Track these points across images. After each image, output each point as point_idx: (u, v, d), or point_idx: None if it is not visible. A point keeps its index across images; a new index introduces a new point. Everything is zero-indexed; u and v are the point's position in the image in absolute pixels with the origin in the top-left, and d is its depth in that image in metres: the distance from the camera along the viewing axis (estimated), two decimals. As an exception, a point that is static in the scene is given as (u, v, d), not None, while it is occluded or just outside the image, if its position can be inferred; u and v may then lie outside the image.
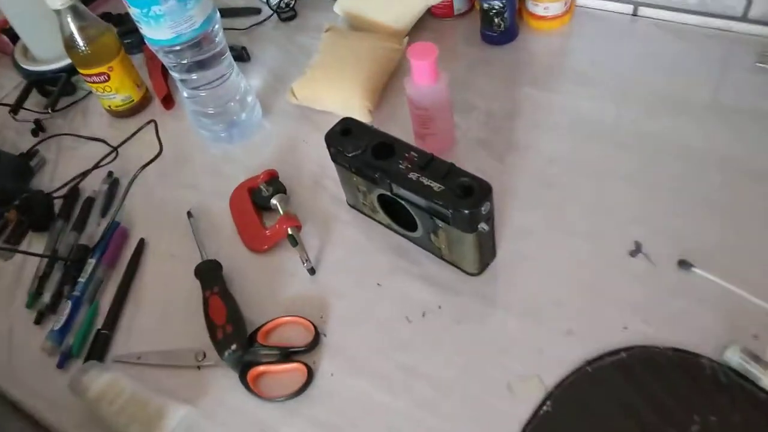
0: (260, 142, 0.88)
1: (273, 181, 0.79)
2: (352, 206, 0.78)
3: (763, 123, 0.75)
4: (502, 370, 0.61)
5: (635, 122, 0.79)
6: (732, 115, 0.77)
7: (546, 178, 0.76)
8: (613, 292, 0.65)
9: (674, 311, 0.62)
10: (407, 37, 0.92)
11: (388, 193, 0.67)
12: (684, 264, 0.65)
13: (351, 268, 0.72)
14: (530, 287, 0.67)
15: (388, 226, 0.74)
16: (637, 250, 0.67)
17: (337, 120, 0.72)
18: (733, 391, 0.56)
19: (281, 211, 0.76)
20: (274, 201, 0.77)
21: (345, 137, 0.69)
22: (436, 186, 0.62)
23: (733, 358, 0.57)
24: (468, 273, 0.69)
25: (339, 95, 0.85)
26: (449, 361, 0.63)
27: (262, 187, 0.78)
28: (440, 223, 0.64)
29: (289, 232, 0.74)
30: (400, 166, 0.64)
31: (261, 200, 0.79)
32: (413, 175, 0.63)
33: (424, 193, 0.62)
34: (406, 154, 0.65)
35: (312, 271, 0.72)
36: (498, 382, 0.61)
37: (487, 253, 0.68)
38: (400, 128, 0.82)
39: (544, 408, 0.58)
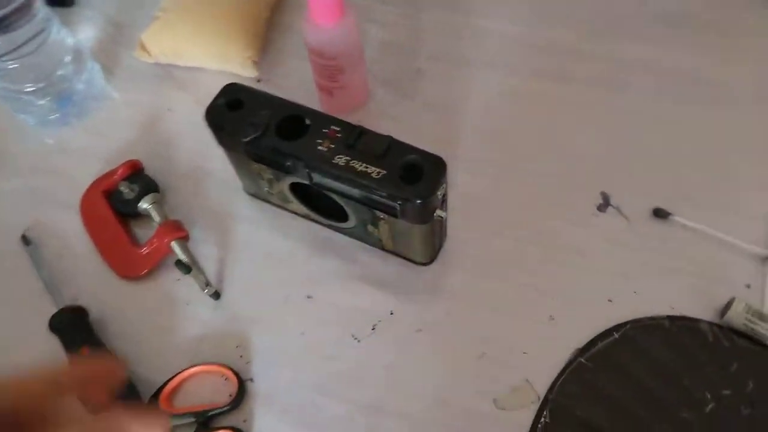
0: (108, 120, 0.66)
1: (137, 177, 0.59)
2: (253, 195, 0.60)
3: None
4: (482, 383, 0.50)
5: (576, 47, 0.67)
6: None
7: (486, 128, 0.63)
8: (589, 258, 0.55)
9: (659, 270, 0.54)
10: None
11: (306, 182, 0.51)
12: (660, 213, 0.56)
13: (268, 281, 0.56)
14: (494, 269, 0.55)
15: (306, 216, 0.58)
16: (605, 204, 0.57)
17: (210, 78, 0.53)
18: (740, 357, 0.50)
19: (157, 219, 0.57)
20: (143, 205, 0.58)
21: (234, 112, 0.50)
22: (373, 171, 0.46)
23: (737, 319, 0.50)
24: (417, 263, 0.56)
25: (208, 44, 0.64)
26: (417, 388, 0.51)
27: (122, 187, 0.58)
28: (382, 215, 0.50)
29: (174, 247, 0.55)
30: (320, 147, 0.48)
31: (124, 206, 0.58)
32: (340, 159, 0.47)
33: (358, 182, 0.47)
34: (326, 130, 0.48)
35: (216, 295, 0.55)
36: (481, 401, 0.50)
37: (440, 238, 0.55)
38: (298, 82, 0.65)
39: (543, 420, 0.48)
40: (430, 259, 0.55)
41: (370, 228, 0.53)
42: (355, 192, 0.48)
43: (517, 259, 0.55)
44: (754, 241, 0.54)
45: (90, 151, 0.63)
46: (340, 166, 0.47)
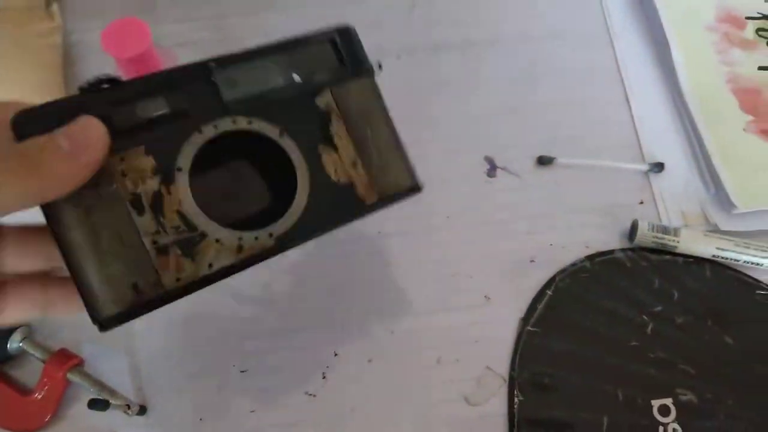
0: None
1: (-10, 315, 0.50)
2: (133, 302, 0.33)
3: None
4: (448, 387, 0.50)
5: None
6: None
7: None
8: (497, 225, 0.55)
9: (562, 215, 0.56)
10: (55, 3, 0.60)
11: (227, 128, 0.34)
12: (544, 160, 0.57)
13: (196, 373, 0.50)
14: (412, 271, 0.53)
15: (224, 272, 0.34)
16: (492, 167, 0.58)
17: None
18: (659, 272, 0.53)
19: (37, 354, 0.48)
20: (13, 345, 0.48)
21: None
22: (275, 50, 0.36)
23: (645, 239, 0.53)
24: (404, 190, 0.39)
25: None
26: (391, 418, 0.49)
27: (-23, 334, 0.48)
28: (321, 101, 0.37)
29: (72, 379, 0.47)
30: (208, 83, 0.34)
31: (-9, 354, 0.49)
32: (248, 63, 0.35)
33: (275, 50, 0.36)
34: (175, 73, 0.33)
35: (143, 410, 0.48)
36: (455, 405, 0.49)
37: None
38: None
39: (516, 399, 0.49)
40: (413, 182, 0.40)
41: (324, 159, 0.36)
42: (279, 79, 0.35)
43: (430, 251, 0.54)
44: (632, 159, 0.58)
45: None
46: (255, 68, 0.35)
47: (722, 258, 0.53)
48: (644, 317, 0.52)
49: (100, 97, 0.31)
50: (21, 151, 0.27)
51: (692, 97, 0.59)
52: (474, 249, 0.54)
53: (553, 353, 0.51)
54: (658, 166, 0.56)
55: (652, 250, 0.54)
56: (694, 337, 0.51)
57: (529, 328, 0.51)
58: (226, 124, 0.34)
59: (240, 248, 0.33)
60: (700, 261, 0.54)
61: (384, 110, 0.39)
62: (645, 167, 0.57)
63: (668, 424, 0.48)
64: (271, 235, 0.34)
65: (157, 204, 0.32)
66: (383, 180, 0.38)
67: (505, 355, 0.51)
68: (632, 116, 0.59)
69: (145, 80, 0.32)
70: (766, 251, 0.52)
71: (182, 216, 0.32)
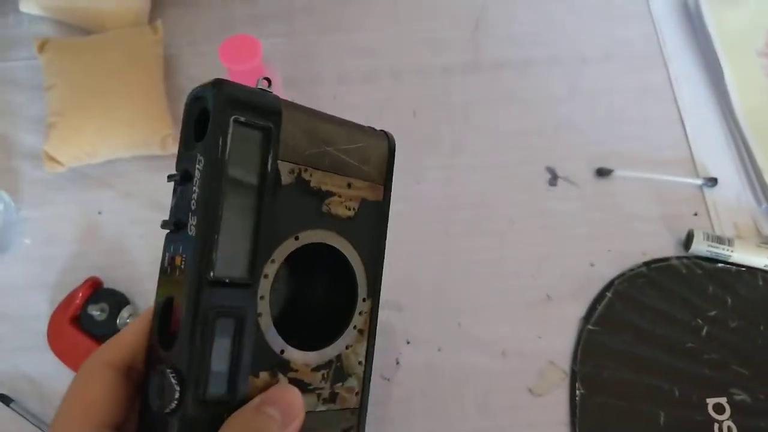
0: (37, 243, 0.60)
1: (100, 294, 0.55)
2: None
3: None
4: (513, 378, 0.53)
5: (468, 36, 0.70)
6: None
7: (417, 136, 0.64)
8: (560, 231, 0.59)
9: (620, 223, 0.60)
10: (159, 19, 0.67)
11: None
12: (603, 172, 0.61)
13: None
14: (482, 272, 0.57)
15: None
16: (554, 177, 0.62)
17: (128, 166, 0.54)
18: (713, 279, 0.56)
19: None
20: (122, 320, 0.54)
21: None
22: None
23: (701, 248, 0.56)
24: (388, 154, 0.36)
25: (120, 135, 0.60)
26: (456, 409, 0.53)
27: (90, 311, 0.53)
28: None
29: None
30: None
31: (100, 328, 0.54)
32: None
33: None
34: None
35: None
36: (519, 395, 0.53)
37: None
38: None
39: (578, 392, 0.52)
40: (378, 135, 0.36)
41: (332, 207, 0.34)
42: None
43: (496, 252, 0.59)
44: (687, 174, 0.61)
45: (31, 281, 0.58)
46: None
47: (774, 267, 0.56)
48: (699, 321, 0.55)
49: (187, 400, 0.28)
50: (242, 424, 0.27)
51: (743, 117, 0.62)
52: (536, 251, 0.58)
53: (613, 351, 0.54)
54: (712, 181, 0.60)
55: (707, 259, 0.57)
56: (747, 340, 0.54)
57: (589, 326, 0.55)
58: (265, 287, 0.30)
59: (361, 332, 0.35)
60: (752, 270, 0.57)
61: (315, 116, 0.34)
62: (699, 181, 0.60)
63: (723, 421, 0.51)
64: (364, 299, 0.35)
65: (299, 383, 0.32)
66: (371, 168, 0.36)
67: (566, 351, 0.54)
68: (686, 133, 0.63)
69: (190, 347, 0.28)
70: (816, 261, 0.55)
71: (317, 368, 0.33)
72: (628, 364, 0.54)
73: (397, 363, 0.54)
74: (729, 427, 0.51)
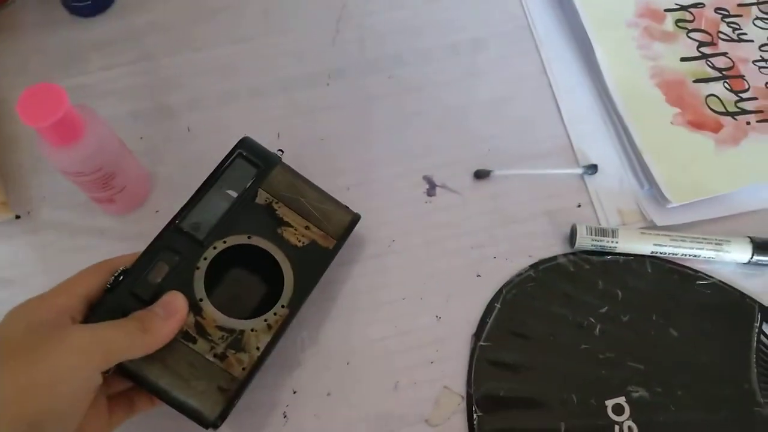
0: None
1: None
2: None
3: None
4: (409, 410, 0.50)
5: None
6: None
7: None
8: (442, 244, 0.56)
9: (503, 226, 0.57)
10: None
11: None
12: (480, 174, 0.58)
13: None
14: (363, 298, 0.54)
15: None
16: (432, 186, 0.58)
17: None
18: (601, 273, 0.54)
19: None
20: None
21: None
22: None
23: (585, 243, 0.54)
24: (349, 224, 0.51)
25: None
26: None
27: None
28: (260, 199, 0.50)
29: None
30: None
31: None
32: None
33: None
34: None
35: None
36: (416, 428, 0.50)
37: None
38: (67, 198, 0.57)
39: (475, 416, 0.50)
40: (347, 210, 0.52)
41: (286, 236, 0.49)
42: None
43: (378, 277, 0.55)
44: (566, 164, 0.59)
45: None
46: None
47: (660, 253, 0.54)
48: (591, 319, 0.53)
49: (123, 287, 0.43)
50: (135, 317, 0.41)
51: (618, 95, 0.60)
52: (421, 270, 0.55)
53: (507, 366, 0.52)
54: (592, 168, 0.58)
55: (593, 253, 0.55)
56: (641, 333, 0.53)
57: (481, 343, 0.52)
58: (210, 253, 0.47)
59: (269, 326, 0.46)
60: (640, 258, 0.55)
61: (302, 179, 0.52)
62: (579, 170, 0.58)
63: (623, 422, 0.50)
64: (283, 306, 0.47)
65: (201, 329, 0.45)
66: (330, 226, 0.51)
67: (461, 373, 0.51)
68: (563, 120, 0.61)
69: (143, 257, 0.45)
70: (701, 242, 0.54)
71: (221, 328, 0.45)
72: (524, 377, 0.51)
73: (285, 417, 0.50)
74: (629, 427, 0.49)
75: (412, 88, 0.62)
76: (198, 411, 0.43)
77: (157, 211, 0.57)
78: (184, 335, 0.44)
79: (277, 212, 0.49)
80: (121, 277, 0.44)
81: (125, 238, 0.56)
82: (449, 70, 0.63)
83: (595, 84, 0.62)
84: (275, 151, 0.52)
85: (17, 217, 0.56)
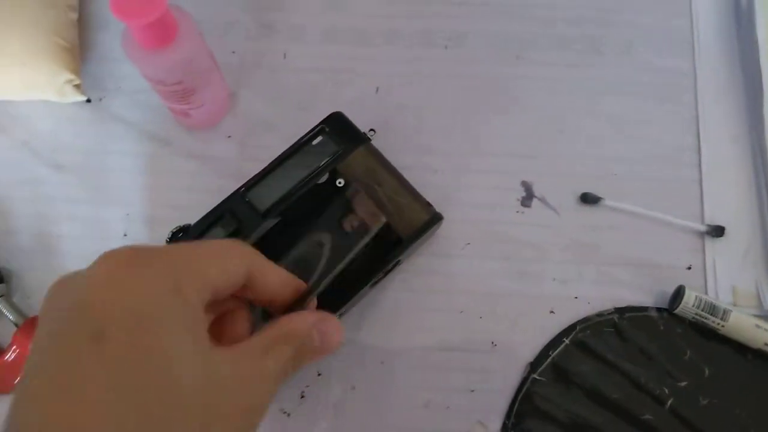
0: None
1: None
2: None
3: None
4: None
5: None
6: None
7: (379, 119, 0.53)
8: (521, 265, 0.49)
9: (595, 265, 0.49)
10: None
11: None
12: (588, 199, 0.51)
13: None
14: (419, 299, 0.48)
15: None
16: (529, 196, 0.51)
17: (25, 110, 0.49)
18: (693, 344, 0.47)
19: (10, 317, 0.46)
20: (-14, 304, 0.47)
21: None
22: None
23: (687, 312, 0.46)
24: (423, 224, 0.46)
25: (7, 70, 0.49)
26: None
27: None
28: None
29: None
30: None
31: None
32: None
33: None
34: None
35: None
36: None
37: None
38: (141, 95, 0.53)
39: (502, 463, 0.45)
40: (432, 213, 0.47)
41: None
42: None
43: (440, 280, 0.49)
44: (690, 216, 0.50)
45: None
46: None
47: (769, 350, 0.46)
48: (665, 390, 0.46)
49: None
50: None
51: (777, 157, 0.50)
52: (489, 286, 0.49)
53: (556, 408, 0.46)
54: (718, 230, 0.49)
55: (691, 321, 0.48)
56: (716, 424, 0.46)
57: (535, 376, 0.47)
58: (267, 225, 0.45)
59: None
60: (742, 346, 0.47)
61: (386, 166, 0.48)
62: (702, 227, 0.50)
63: None
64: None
65: None
66: (402, 221, 0.46)
67: (501, 409, 0.46)
68: (700, 164, 0.51)
69: (204, 218, 0.45)
70: (821, 354, 0.45)
71: None
72: (571, 427, 0.46)
73: (302, 396, 0.46)
74: None
75: (537, 76, 0.54)
76: None
77: (228, 136, 0.52)
78: None
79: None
80: (180, 234, 0.45)
81: (190, 156, 0.52)
82: (585, 66, 0.55)
83: (752, 135, 0.52)
84: (367, 131, 0.48)
85: (88, 101, 0.52)
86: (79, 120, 0.52)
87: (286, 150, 0.47)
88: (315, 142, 0.47)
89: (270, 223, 0.46)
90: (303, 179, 0.46)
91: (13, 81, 0.49)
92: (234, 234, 0.45)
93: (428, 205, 0.47)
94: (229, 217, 0.45)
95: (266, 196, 0.46)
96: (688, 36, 0.55)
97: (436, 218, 0.46)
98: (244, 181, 0.46)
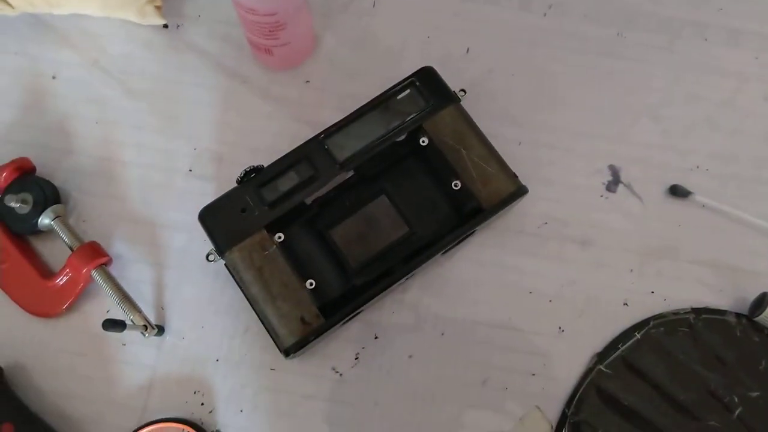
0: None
1: (27, 182, 0.45)
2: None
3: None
4: (487, 415, 0.43)
5: None
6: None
7: (464, 78, 0.50)
8: (598, 252, 0.47)
9: (675, 262, 0.47)
10: None
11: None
12: (678, 191, 0.48)
13: (222, 306, 0.45)
14: (488, 274, 0.46)
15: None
16: (615, 180, 0.49)
17: (100, 26, 0.47)
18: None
19: (66, 239, 0.44)
20: (44, 220, 0.44)
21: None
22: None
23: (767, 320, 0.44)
24: (508, 195, 0.43)
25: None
26: (411, 428, 0.43)
27: (10, 201, 0.44)
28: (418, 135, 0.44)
29: (96, 278, 0.43)
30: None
31: (18, 224, 0.44)
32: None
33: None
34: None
35: (160, 331, 0.44)
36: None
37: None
38: (222, 25, 0.50)
39: (559, 452, 0.43)
40: (513, 179, 0.44)
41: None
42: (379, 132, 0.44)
43: (513, 258, 0.47)
44: (784, 222, 0.48)
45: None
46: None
47: None
48: (735, 398, 0.44)
49: (252, 182, 0.42)
50: None
51: None
52: (562, 270, 0.47)
53: (619, 404, 0.44)
54: (813, 240, 0.47)
55: (771, 333, 0.45)
56: (785, 442, 0.44)
57: (601, 367, 0.45)
58: (342, 177, 0.44)
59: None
60: (824, 364, 0.45)
61: (475, 129, 0.45)
62: (795, 236, 0.47)
63: None
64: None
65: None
66: (485, 190, 0.43)
67: (561, 397, 0.44)
68: (803, 169, 0.49)
69: (279, 161, 0.43)
70: None
71: None
72: (633, 425, 0.44)
73: (356, 358, 0.45)
74: None
75: (637, 57, 0.51)
76: (274, 331, 0.41)
77: (307, 81, 0.50)
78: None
79: (428, 156, 0.44)
80: (253, 174, 0.43)
81: (266, 96, 0.49)
82: (687, 52, 0.51)
83: None
84: (458, 91, 0.45)
85: (165, 26, 0.50)
86: (153, 45, 0.50)
87: (371, 100, 0.44)
88: (401, 96, 0.44)
89: (345, 175, 0.43)
90: (387, 133, 0.43)
91: (94, -3, 0.47)
92: (308, 182, 0.42)
93: (515, 176, 0.44)
94: (306, 163, 0.43)
95: (346, 146, 0.43)
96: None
97: (521, 191, 0.44)
98: (320, 130, 0.44)
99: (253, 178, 0.43)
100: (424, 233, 0.43)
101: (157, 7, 0.48)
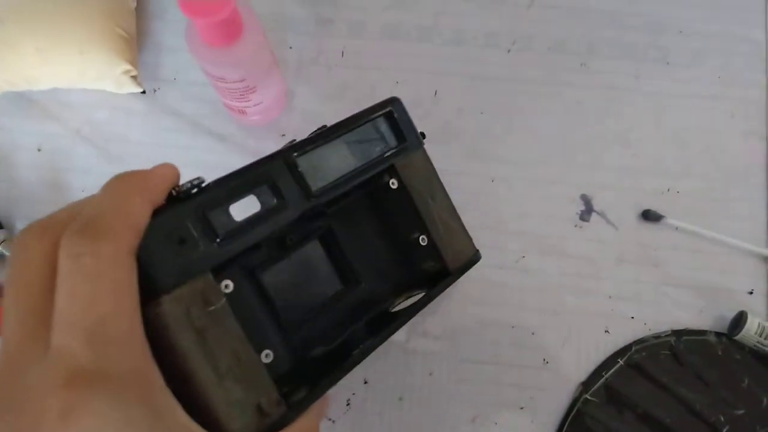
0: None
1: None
2: None
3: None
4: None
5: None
6: None
7: (435, 123, 0.52)
8: (575, 281, 0.48)
9: (653, 285, 0.48)
10: None
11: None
12: (650, 216, 0.49)
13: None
14: (470, 312, 0.47)
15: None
16: (588, 210, 0.50)
17: (82, 97, 0.47)
18: (752, 371, 0.46)
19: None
20: None
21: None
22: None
23: (748, 338, 0.45)
24: (467, 261, 0.40)
25: (67, 62, 0.48)
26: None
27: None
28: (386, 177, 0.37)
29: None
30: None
31: None
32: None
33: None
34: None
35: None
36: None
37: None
38: (195, 87, 0.52)
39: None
40: (471, 242, 0.40)
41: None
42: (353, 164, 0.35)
43: (493, 292, 0.48)
44: (755, 240, 0.49)
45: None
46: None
47: (833, 384, 0.45)
48: (721, 418, 0.45)
49: (196, 203, 0.28)
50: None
51: None
52: (543, 301, 0.48)
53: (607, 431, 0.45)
54: (785, 255, 0.48)
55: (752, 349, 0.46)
56: (771, 461, 0.45)
57: (587, 396, 0.46)
58: (316, 210, 0.34)
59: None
60: (804, 378, 0.46)
61: (438, 179, 0.40)
62: (767, 252, 0.48)
63: None
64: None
65: None
66: (451, 250, 0.38)
67: (549, 429, 0.45)
68: (769, 187, 0.50)
69: (234, 177, 0.30)
70: None
71: None
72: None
73: (348, 405, 0.46)
74: None
75: (601, 85, 0.53)
76: (217, 422, 0.27)
77: (283, 135, 0.51)
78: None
79: (392, 201, 0.37)
80: (195, 190, 0.28)
81: (243, 152, 0.51)
82: (651, 77, 0.53)
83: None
84: (420, 132, 0.40)
85: (143, 92, 0.52)
86: (133, 111, 0.52)
87: (348, 119, 0.35)
88: (377, 124, 0.37)
89: (313, 208, 0.33)
90: (364, 165, 0.35)
91: (70, 69, 0.48)
92: (273, 211, 0.31)
93: (470, 238, 0.40)
94: (269, 186, 0.31)
95: (320, 172, 0.33)
96: (762, 50, 0.53)
97: (476, 257, 0.40)
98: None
99: (196, 195, 0.28)
100: (371, 290, 0.37)
101: (133, 77, 0.50)
